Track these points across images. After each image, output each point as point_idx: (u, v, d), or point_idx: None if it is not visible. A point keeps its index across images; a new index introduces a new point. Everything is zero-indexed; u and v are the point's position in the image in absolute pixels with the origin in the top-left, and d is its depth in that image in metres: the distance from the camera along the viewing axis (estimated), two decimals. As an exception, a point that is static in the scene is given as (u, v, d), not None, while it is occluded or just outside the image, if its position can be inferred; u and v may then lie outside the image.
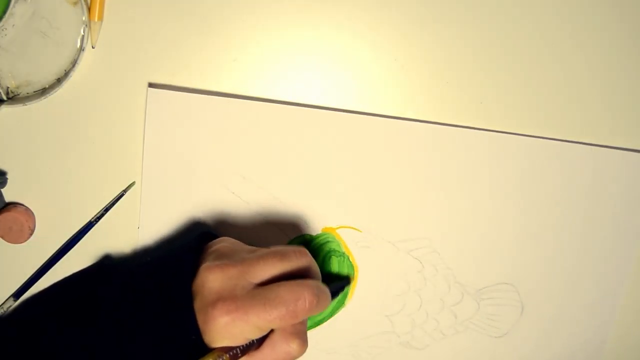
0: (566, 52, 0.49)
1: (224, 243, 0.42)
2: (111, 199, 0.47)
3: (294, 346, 0.38)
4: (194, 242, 0.42)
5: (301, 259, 0.40)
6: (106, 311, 0.39)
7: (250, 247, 0.42)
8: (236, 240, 0.43)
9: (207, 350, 0.37)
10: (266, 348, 0.38)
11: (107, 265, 0.47)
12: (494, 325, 0.54)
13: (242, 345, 0.37)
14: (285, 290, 0.37)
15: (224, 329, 0.36)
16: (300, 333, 0.39)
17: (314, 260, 0.42)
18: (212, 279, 0.37)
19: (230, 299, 0.36)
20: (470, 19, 0.47)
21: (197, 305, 0.37)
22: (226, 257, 0.39)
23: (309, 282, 0.39)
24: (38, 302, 0.48)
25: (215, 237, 0.45)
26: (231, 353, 0.37)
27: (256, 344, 0.39)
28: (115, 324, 0.38)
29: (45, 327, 0.41)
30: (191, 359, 0.35)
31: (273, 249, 0.40)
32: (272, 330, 0.39)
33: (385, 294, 0.52)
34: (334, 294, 0.42)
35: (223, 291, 0.37)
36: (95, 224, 0.47)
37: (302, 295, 0.37)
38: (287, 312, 0.36)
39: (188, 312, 0.37)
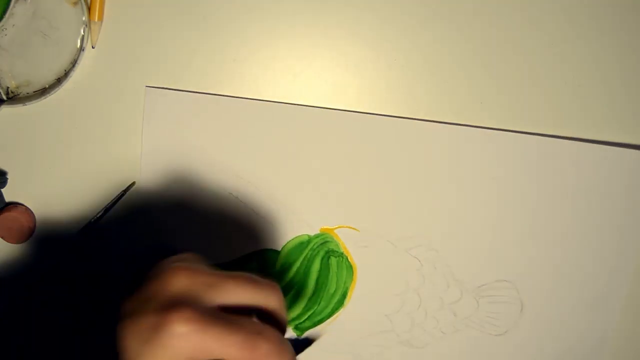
0: (567, 49, 0.49)
1: (187, 254, 0.36)
2: (111, 199, 0.47)
3: None
4: (144, 259, 0.38)
5: (272, 295, 0.34)
6: (41, 314, 0.38)
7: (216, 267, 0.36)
8: (201, 257, 0.36)
9: None
10: None
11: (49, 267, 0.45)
12: (493, 324, 0.54)
13: None
14: (249, 322, 0.31)
15: (175, 340, 0.29)
16: None
17: (284, 302, 0.35)
18: (176, 280, 0.32)
19: (193, 306, 0.30)
20: (470, 18, 0.47)
21: (150, 308, 0.31)
22: (194, 263, 0.34)
23: (272, 329, 0.32)
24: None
25: (174, 251, 0.38)
26: None
27: None
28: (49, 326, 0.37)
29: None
30: None
31: (246, 273, 0.34)
32: None
33: (384, 293, 0.52)
34: (297, 349, 0.39)
35: (187, 297, 0.31)
36: (95, 223, 0.47)
37: (264, 331, 0.31)
38: (247, 340, 0.30)
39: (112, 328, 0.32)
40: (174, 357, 0.29)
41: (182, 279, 0.31)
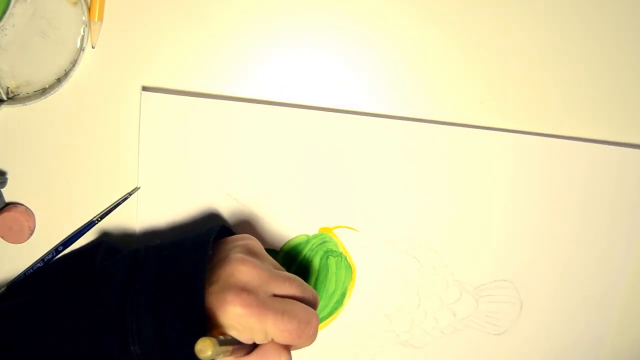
0: (567, 49, 0.49)
1: (251, 241, 0.43)
2: (112, 199, 0.47)
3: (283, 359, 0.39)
4: (212, 233, 0.42)
5: (315, 299, 0.42)
6: (108, 288, 0.39)
7: (273, 260, 0.43)
8: (260, 243, 0.43)
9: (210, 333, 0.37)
10: (255, 356, 0.39)
11: (105, 242, 0.47)
12: (493, 323, 0.54)
13: (242, 343, 0.38)
14: (301, 309, 0.39)
15: (237, 319, 0.37)
16: (289, 351, 0.40)
17: (318, 303, 0.44)
18: (243, 270, 0.38)
19: (253, 294, 0.37)
20: (470, 19, 0.47)
21: (216, 289, 0.38)
22: (257, 258, 0.40)
23: (317, 316, 0.40)
24: (35, 278, 0.47)
25: (232, 232, 0.45)
26: (237, 346, 0.37)
27: (249, 349, 0.39)
28: (118, 301, 0.38)
29: (42, 303, 0.41)
30: (195, 339, 0.34)
31: (296, 277, 0.42)
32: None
33: (384, 293, 0.52)
34: None
35: (250, 286, 0.38)
36: (97, 223, 0.47)
37: (312, 320, 0.39)
38: (298, 329, 0.38)
39: (198, 296, 0.37)
40: (235, 326, 0.37)
41: (248, 270, 0.38)
